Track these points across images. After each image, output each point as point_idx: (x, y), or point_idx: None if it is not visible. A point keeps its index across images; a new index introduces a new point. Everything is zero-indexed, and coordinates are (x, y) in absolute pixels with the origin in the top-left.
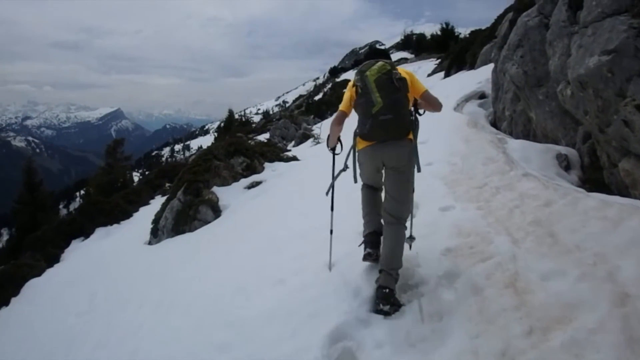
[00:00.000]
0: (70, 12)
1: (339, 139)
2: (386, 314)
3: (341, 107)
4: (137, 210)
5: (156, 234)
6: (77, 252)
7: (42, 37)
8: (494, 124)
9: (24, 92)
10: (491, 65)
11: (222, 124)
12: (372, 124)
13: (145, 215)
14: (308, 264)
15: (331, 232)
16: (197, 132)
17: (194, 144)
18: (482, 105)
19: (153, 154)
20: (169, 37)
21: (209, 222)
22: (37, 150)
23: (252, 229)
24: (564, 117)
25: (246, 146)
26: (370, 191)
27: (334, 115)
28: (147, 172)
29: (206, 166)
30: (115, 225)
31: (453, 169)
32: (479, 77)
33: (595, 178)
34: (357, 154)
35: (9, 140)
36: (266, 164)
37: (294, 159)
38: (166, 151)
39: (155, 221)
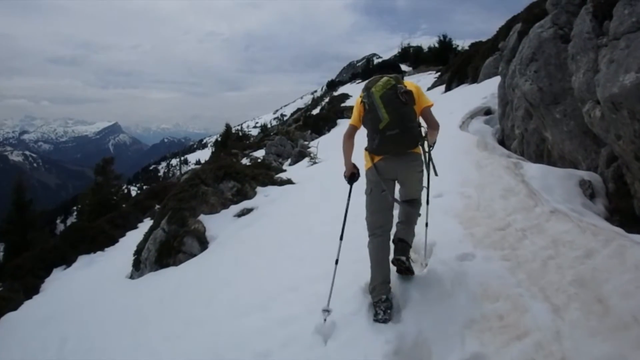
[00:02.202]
0: (68, 27)
1: (355, 168)
2: (402, 264)
3: (351, 121)
4: (123, 234)
5: (138, 267)
6: (57, 283)
7: (40, 52)
8: (502, 142)
9: (21, 106)
10: (496, 79)
11: (219, 138)
12: (381, 139)
13: (131, 241)
14: (299, 332)
15: (336, 262)
16: (194, 146)
17: (192, 157)
18: (488, 122)
19: (150, 168)
20: (167, 51)
21: (195, 255)
22: (35, 164)
23: (238, 272)
24: (584, 138)
25: (237, 169)
26: (380, 240)
27: (345, 130)
28: (144, 187)
29: (193, 192)
30: (99, 253)
31: (467, 203)
32: (484, 92)
33: (623, 207)
34: (371, 169)
35: (6, 154)
36: (258, 188)
37: (289, 182)
38: (164, 165)
39: (138, 252)
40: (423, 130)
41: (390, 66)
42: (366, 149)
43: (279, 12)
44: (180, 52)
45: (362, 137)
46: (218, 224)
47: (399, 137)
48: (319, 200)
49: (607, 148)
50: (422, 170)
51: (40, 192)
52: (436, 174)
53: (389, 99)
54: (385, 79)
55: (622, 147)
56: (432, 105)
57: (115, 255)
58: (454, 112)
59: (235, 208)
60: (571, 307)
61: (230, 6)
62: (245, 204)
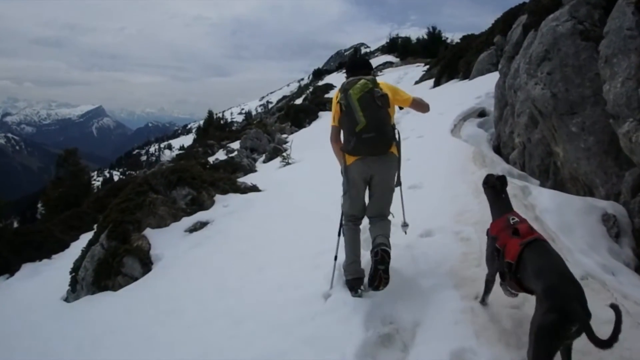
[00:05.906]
0: (53, 8)
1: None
2: (384, 272)
3: (333, 122)
4: (77, 238)
5: (74, 288)
6: None
7: (24, 33)
8: (498, 148)
9: (4, 88)
10: (490, 76)
11: (202, 125)
12: (356, 141)
13: (83, 247)
14: None
15: (335, 257)
16: (179, 131)
17: (176, 143)
18: (482, 125)
19: (134, 152)
20: (153, 35)
21: (137, 279)
22: (17, 147)
23: (166, 327)
24: (604, 158)
25: (193, 174)
26: (354, 229)
27: (330, 133)
28: (127, 172)
29: (139, 201)
30: (45, 261)
31: (465, 250)
32: (477, 91)
33: None
34: (347, 169)
35: None
36: (217, 197)
37: (254, 189)
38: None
39: (75, 270)
40: (397, 133)
41: (364, 65)
42: (341, 149)
43: None
44: (166, 35)
45: None
46: (166, 241)
47: (374, 140)
48: (281, 224)
49: (634, 172)
50: (397, 170)
51: (23, 175)
52: (398, 184)
53: (367, 102)
54: (363, 81)
55: None
56: (413, 97)
57: (61, 265)
58: (445, 112)
59: (187, 221)
60: None
61: None
62: (200, 216)
